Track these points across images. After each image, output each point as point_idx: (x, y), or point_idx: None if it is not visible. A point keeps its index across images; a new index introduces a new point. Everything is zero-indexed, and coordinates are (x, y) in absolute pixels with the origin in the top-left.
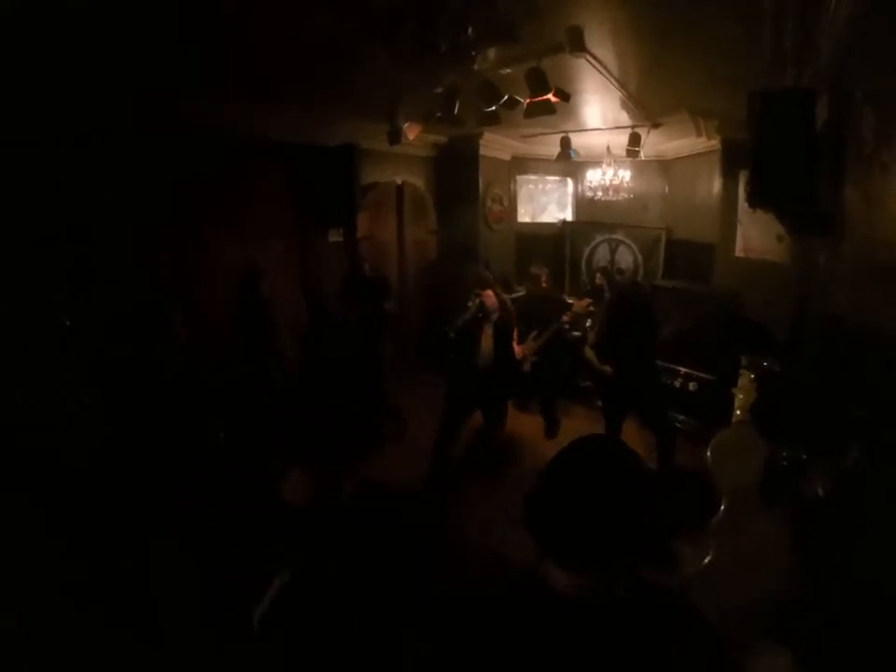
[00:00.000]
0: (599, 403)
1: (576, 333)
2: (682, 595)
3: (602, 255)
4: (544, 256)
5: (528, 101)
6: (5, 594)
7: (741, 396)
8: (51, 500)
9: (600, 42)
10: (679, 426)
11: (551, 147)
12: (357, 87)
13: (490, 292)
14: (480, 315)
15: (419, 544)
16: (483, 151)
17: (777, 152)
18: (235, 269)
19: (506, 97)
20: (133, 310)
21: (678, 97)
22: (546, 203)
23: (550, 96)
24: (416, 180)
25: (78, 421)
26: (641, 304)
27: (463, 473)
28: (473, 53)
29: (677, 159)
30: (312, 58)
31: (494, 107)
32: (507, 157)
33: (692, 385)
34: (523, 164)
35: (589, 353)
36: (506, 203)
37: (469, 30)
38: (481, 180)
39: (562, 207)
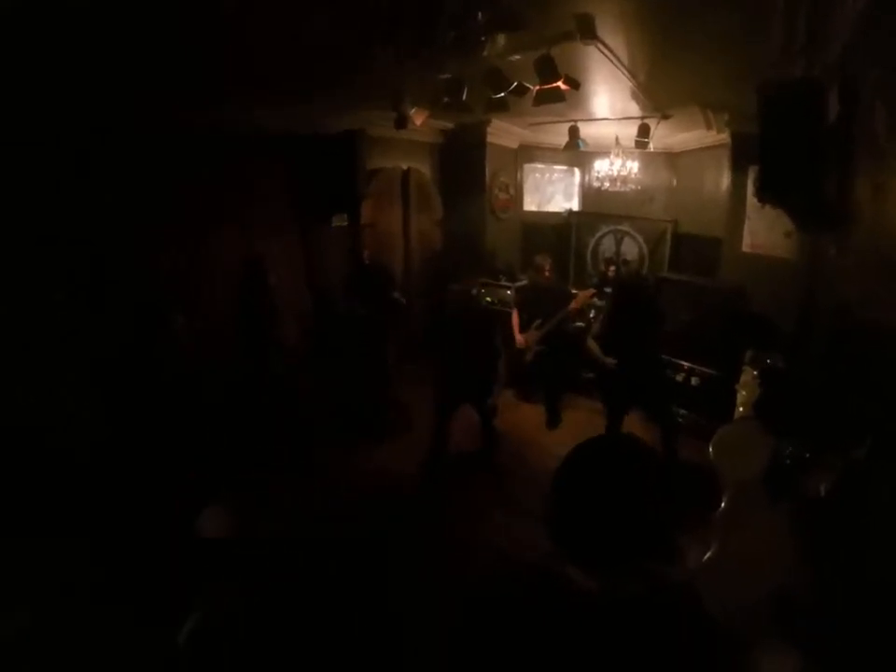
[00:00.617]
0: (602, 395)
1: (579, 324)
2: (689, 591)
3: (608, 246)
4: (549, 245)
5: (537, 88)
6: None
7: (743, 392)
8: (53, 499)
9: (611, 31)
10: (681, 420)
11: (559, 136)
12: (362, 76)
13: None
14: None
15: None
16: (490, 139)
17: (787, 145)
18: (238, 261)
19: (515, 84)
20: (134, 310)
21: (688, 89)
22: (552, 192)
23: (559, 84)
24: (422, 167)
25: (79, 420)
26: (645, 296)
27: (466, 465)
28: (482, 40)
29: (685, 151)
30: (314, 56)
31: (502, 94)
32: (514, 145)
33: (694, 380)
34: (530, 153)
35: (592, 344)
36: (512, 191)
37: (478, 16)
38: (487, 168)
39: (568, 197)
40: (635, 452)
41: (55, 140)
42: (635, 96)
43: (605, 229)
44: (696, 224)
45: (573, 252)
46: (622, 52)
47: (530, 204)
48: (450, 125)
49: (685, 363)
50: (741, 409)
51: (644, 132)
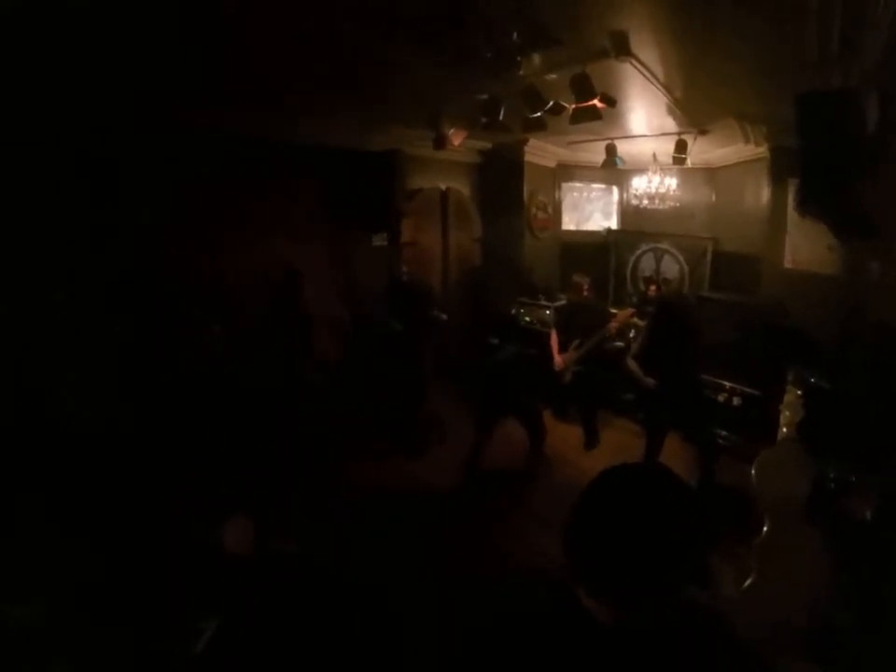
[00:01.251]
0: (641, 416)
1: (619, 344)
2: (722, 617)
3: (647, 264)
4: (588, 264)
5: (574, 107)
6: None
7: (787, 413)
8: (67, 495)
9: (645, 47)
10: (721, 441)
11: (596, 154)
12: (401, 94)
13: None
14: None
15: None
16: (527, 158)
17: (827, 156)
18: (274, 272)
19: (551, 103)
20: (171, 317)
21: (724, 102)
22: (591, 211)
23: (595, 102)
24: (461, 186)
25: (112, 426)
26: (686, 316)
27: (501, 483)
28: (518, 59)
29: (724, 167)
30: (356, 68)
31: (539, 113)
32: (552, 164)
33: (736, 400)
34: (568, 172)
35: (632, 364)
36: (550, 210)
37: (514, 35)
38: (525, 187)
39: (607, 215)
40: (664, 484)
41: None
42: (671, 112)
43: (644, 247)
44: (737, 240)
45: (612, 271)
46: (657, 68)
47: (569, 223)
48: (488, 145)
49: (727, 383)
50: (785, 430)
51: (681, 147)
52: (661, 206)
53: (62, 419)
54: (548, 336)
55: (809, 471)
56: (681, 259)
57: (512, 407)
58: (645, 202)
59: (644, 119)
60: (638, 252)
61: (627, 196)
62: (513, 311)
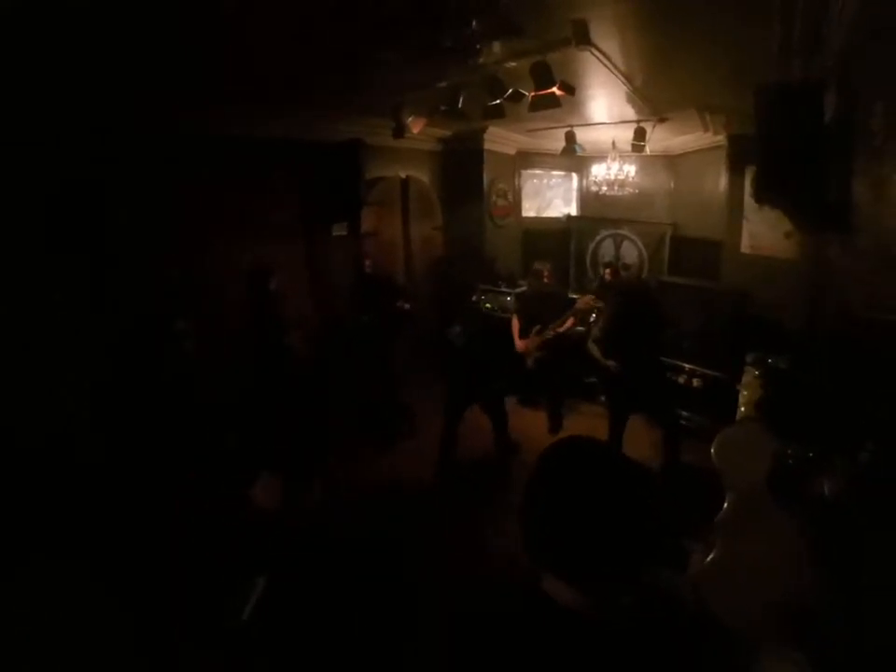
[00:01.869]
0: (604, 399)
1: (580, 329)
2: (692, 598)
3: (607, 250)
4: (549, 251)
5: (533, 94)
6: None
7: (745, 393)
8: (50, 498)
9: (606, 36)
10: (683, 422)
11: (556, 141)
12: (362, 84)
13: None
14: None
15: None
16: (487, 146)
17: (785, 146)
18: (243, 270)
19: (511, 91)
20: (136, 313)
21: (684, 92)
22: (551, 197)
23: (555, 90)
24: (421, 175)
25: (79, 421)
26: (644, 299)
27: (471, 472)
28: (478, 48)
29: (683, 154)
30: (316, 60)
31: (498, 101)
32: (512, 151)
33: (696, 382)
34: (528, 159)
35: (593, 348)
36: (511, 197)
37: (473, 24)
38: (485, 175)
39: (567, 202)
40: (590, 453)
41: (55, 141)
42: (630, 100)
43: (604, 233)
44: (696, 226)
45: (573, 257)
46: (617, 57)
47: (529, 210)
48: (448, 133)
49: (687, 365)
50: (743, 409)
51: (640, 135)
52: (620, 193)
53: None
54: (509, 322)
55: (768, 448)
56: (641, 244)
57: (476, 394)
58: (604, 188)
59: (604, 106)
60: (598, 238)
61: (587, 183)
62: (475, 298)
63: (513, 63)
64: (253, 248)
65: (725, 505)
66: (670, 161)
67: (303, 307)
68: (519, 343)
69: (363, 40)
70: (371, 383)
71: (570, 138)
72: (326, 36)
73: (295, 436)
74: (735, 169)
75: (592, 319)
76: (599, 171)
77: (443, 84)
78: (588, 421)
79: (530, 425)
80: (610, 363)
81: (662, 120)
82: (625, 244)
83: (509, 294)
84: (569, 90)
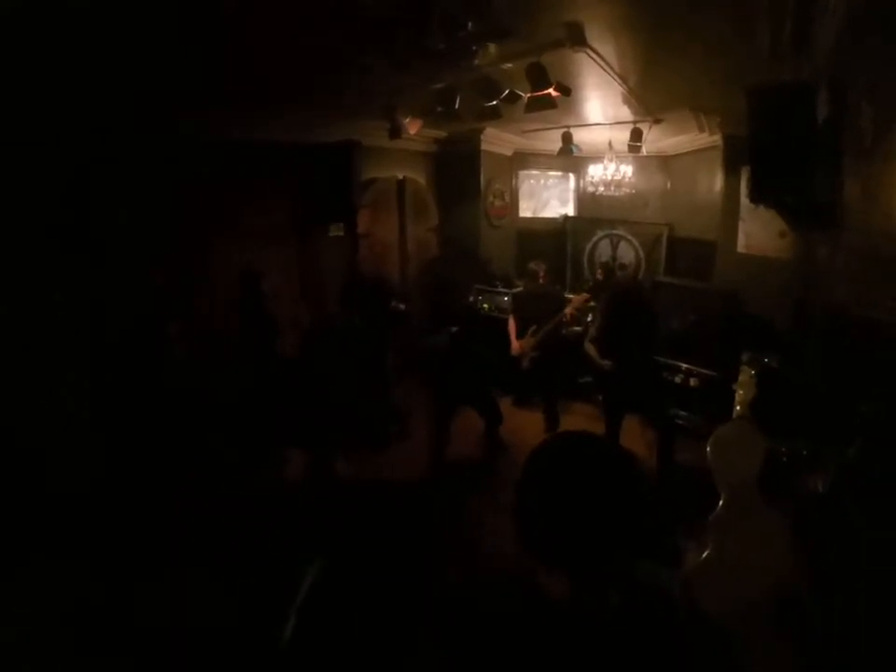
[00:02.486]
0: (599, 398)
1: (576, 328)
2: (682, 594)
3: (603, 250)
4: (545, 251)
5: (529, 96)
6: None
7: (741, 392)
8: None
9: (601, 37)
10: (679, 422)
11: (552, 142)
12: (357, 86)
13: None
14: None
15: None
16: (484, 147)
17: (777, 146)
18: (236, 271)
19: (506, 92)
20: (131, 314)
21: (678, 92)
22: (547, 198)
23: (550, 91)
24: (417, 176)
25: (77, 421)
26: (639, 299)
27: (465, 472)
28: (473, 49)
29: (678, 154)
30: (310, 64)
31: (494, 102)
32: (508, 152)
33: (693, 381)
34: (524, 160)
35: (589, 347)
36: (507, 198)
37: (469, 25)
38: (482, 176)
39: (563, 203)
40: (605, 448)
41: (54, 141)
42: (626, 101)
43: (600, 233)
44: (691, 227)
45: (569, 257)
46: (612, 58)
47: (526, 211)
48: (444, 134)
49: (683, 365)
50: (739, 409)
51: (636, 136)
52: (616, 193)
53: (27, 420)
54: (505, 322)
55: (761, 447)
56: (637, 244)
57: (468, 395)
58: (601, 189)
59: (599, 107)
60: (595, 239)
61: (583, 183)
62: (471, 298)
63: (509, 65)
64: (249, 249)
65: (720, 504)
66: (666, 161)
67: (297, 308)
68: (515, 344)
69: (358, 42)
70: (364, 383)
71: (567, 139)
72: (323, 38)
73: (310, 418)
74: (731, 169)
75: (589, 319)
76: (596, 171)
77: (439, 85)
78: (584, 421)
79: (526, 425)
80: (606, 363)
81: (657, 121)
82: (622, 244)
83: (505, 294)
84: (565, 91)
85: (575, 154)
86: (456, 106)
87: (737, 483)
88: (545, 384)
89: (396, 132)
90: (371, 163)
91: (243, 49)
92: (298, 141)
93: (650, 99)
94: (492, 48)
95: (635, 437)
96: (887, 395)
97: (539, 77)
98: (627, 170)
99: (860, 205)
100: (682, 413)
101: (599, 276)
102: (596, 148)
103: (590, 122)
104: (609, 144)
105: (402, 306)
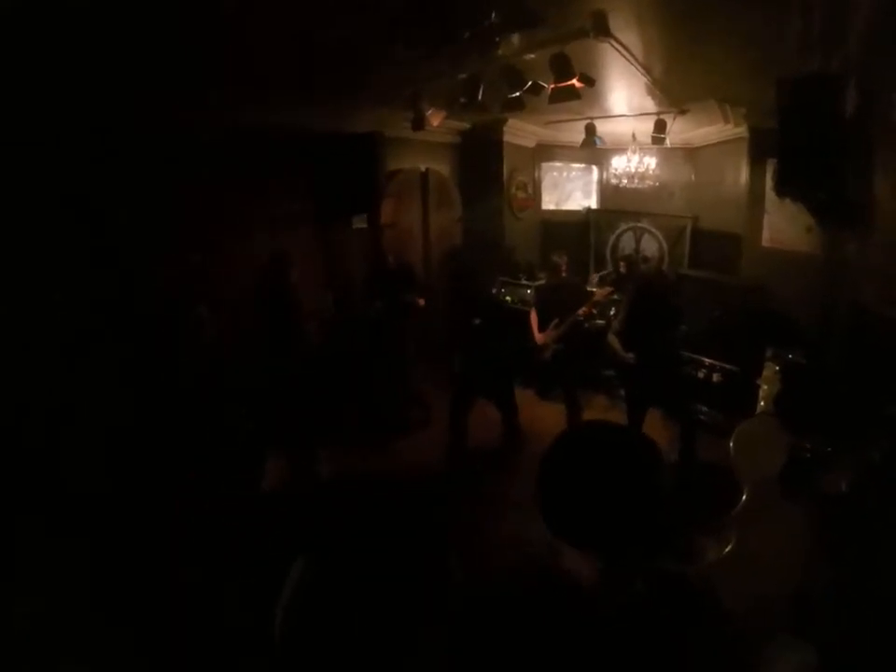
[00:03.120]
0: (622, 392)
1: (600, 322)
2: (704, 587)
3: (627, 243)
4: (568, 244)
5: (552, 86)
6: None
7: (765, 387)
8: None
9: (625, 27)
10: (702, 417)
11: (576, 133)
12: (380, 76)
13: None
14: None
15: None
16: (507, 138)
17: (806, 139)
18: (260, 260)
19: (530, 83)
20: (158, 303)
21: (704, 83)
22: (571, 190)
23: (574, 81)
24: (441, 167)
25: (103, 408)
26: (664, 293)
27: (485, 463)
28: (497, 39)
29: (703, 146)
30: (333, 55)
31: (518, 93)
32: (531, 144)
33: (716, 377)
34: (547, 151)
35: (613, 340)
36: (530, 190)
37: (493, 15)
38: (505, 167)
39: (587, 195)
40: (623, 436)
41: (65, 139)
42: (650, 92)
43: (624, 226)
44: (716, 219)
45: (593, 250)
46: (636, 48)
47: (549, 203)
48: (467, 125)
49: (706, 360)
50: (763, 404)
51: (661, 127)
52: (640, 185)
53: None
54: (528, 315)
55: (784, 443)
56: (661, 237)
57: (486, 386)
58: (624, 181)
59: (623, 98)
60: (618, 231)
61: (607, 175)
62: (495, 290)
63: (532, 55)
64: (273, 240)
65: (742, 500)
66: (691, 153)
67: (320, 297)
68: (538, 336)
69: (382, 31)
70: (384, 370)
71: (590, 130)
72: (345, 28)
73: (298, 415)
74: (757, 161)
75: (612, 312)
76: (619, 163)
77: (463, 76)
78: (606, 414)
79: (547, 417)
80: (629, 356)
81: (682, 112)
82: (645, 237)
83: (528, 287)
84: (589, 81)
85: (598, 146)
86: (480, 97)
87: (760, 479)
88: (567, 376)
89: (419, 123)
90: (394, 154)
91: (263, 39)
92: (322, 132)
93: (674, 90)
94: (515, 38)
95: (657, 431)
96: None
97: (562, 68)
98: (651, 162)
99: (889, 201)
100: (705, 408)
101: (622, 269)
102: (620, 140)
103: (614, 113)
104: (633, 135)
105: (421, 301)
